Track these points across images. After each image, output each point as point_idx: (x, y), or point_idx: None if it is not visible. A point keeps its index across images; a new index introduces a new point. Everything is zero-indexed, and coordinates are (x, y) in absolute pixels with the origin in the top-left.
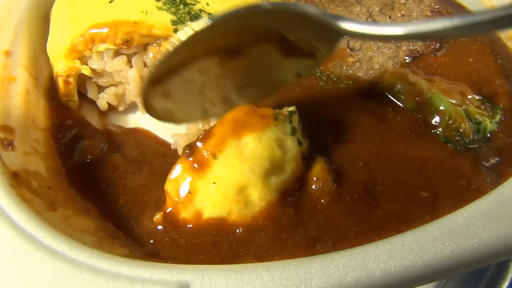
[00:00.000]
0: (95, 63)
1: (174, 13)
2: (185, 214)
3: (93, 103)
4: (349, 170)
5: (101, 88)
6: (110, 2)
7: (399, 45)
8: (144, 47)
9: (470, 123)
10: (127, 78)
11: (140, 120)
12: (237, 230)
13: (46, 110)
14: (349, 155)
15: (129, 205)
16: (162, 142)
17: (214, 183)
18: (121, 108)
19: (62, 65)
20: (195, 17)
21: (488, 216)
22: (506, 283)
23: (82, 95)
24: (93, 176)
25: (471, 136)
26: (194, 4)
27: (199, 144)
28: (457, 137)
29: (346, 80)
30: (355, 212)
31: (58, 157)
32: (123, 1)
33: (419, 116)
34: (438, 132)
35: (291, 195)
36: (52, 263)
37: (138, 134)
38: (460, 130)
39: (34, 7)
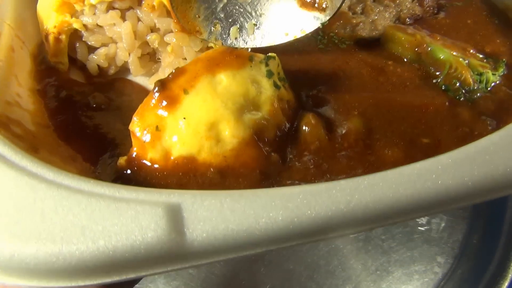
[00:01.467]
0: (87, 17)
1: None
2: (153, 154)
3: (81, 68)
4: (342, 119)
5: (91, 50)
6: None
7: (399, 9)
8: (139, 2)
9: (472, 73)
10: (120, 33)
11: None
12: (208, 172)
13: (32, 72)
14: (343, 105)
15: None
16: None
17: (184, 118)
18: (111, 71)
19: (52, 21)
20: None
21: (501, 146)
22: (506, 283)
23: (71, 59)
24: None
25: (472, 85)
26: None
27: (170, 80)
28: (458, 85)
29: (349, 41)
30: (346, 158)
31: (46, 114)
32: None
33: (420, 67)
34: (439, 80)
35: (270, 145)
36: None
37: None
38: (461, 78)
39: None
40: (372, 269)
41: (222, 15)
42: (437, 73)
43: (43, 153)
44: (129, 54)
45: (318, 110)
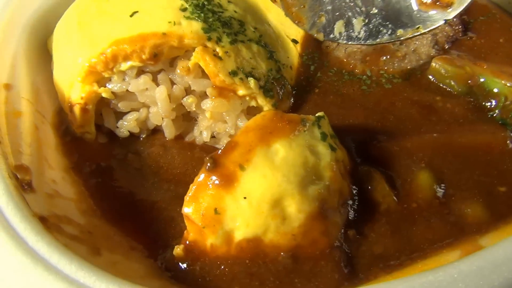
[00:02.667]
0: (116, 85)
1: (204, 21)
2: (213, 239)
3: (109, 133)
4: (408, 174)
5: (118, 116)
6: (131, 16)
7: (434, 33)
8: (171, 63)
9: None
10: (153, 98)
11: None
12: (279, 256)
13: (59, 146)
14: (406, 155)
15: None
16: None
17: (244, 198)
18: (143, 136)
19: (78, 92)
20: (226, 24)
21: None
22: None
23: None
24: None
25: None
26: (222, 12)
27: (222, 155)
28: None
29: (397, 77)
30: (423, 221)
31: (88, 196)
32: (146, 14)
33: (471, 99)
34: (494, 114)
35: (333, 213)
36: None
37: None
38: None
39: (30, 37)
40: None
41: (329, 7)
42: (492, 106)
43: (105, 254)
44: (163, 118)
45: (378, 167)
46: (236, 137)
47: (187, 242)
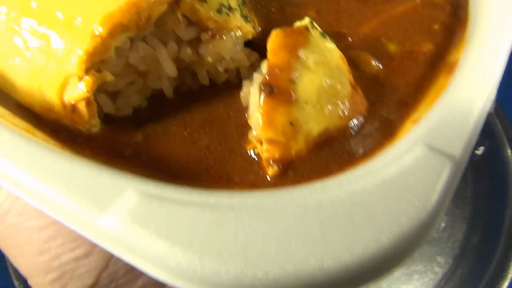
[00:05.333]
0: (114, 63)
1: None
2: (297, 146)
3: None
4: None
5: (112, 97)
6: None
7: None
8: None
9: None
10: (152, 63)
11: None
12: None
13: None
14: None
15: None
16: None
17: (306, 103)
18: (143, 106)
19: (79, 86)
20: None
21: None
22: (506, 283)
23: None
24: None
25: None
26: None
27: (271, 79)
28: None
29: None
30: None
31: None
32: None
33: None
34: None
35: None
36: None
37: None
38: None
39: None
40: None
41: None
42: None
43: None
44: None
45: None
46: (270, 61)
47: (272, 161)
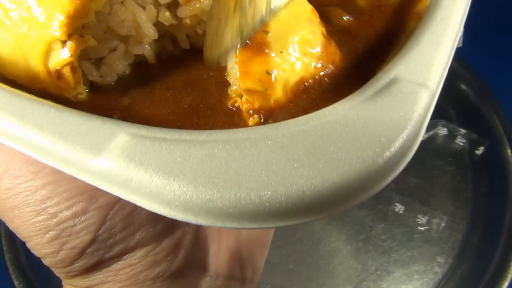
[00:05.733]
0: (95, 27)
1: None
2: (275, 95)
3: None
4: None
5: (96, 65)
6: None
7: None
8: None
9: None
10: (132, 26)
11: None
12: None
13: None
14: None
15: None
16: None
17: (281, 52)
18: (127, 72)
19: (63, 51)
20: None
21: None
22: (506, 283)
23: None
24: None
25: None
26: None
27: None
28: None
29: None
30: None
31: None
32: None
33: None
34: None
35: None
36: None
37: None
38: None
39: None
40: (372, 269)
41: None
42: None
43: None
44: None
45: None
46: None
47: (252, 111)
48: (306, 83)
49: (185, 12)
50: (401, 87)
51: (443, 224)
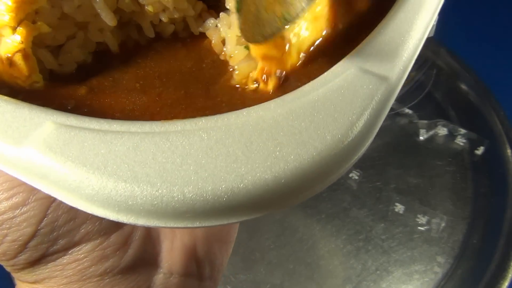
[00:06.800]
0: (48, 14)
1: None
2: (292, 60)
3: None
4: None
5: (55, 53)
6: None
7: None
8: None
9: None
10: (89, 13)
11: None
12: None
13: None
14: None
15: None
16: None
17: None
18: (88, 61)
19: (14, 37)
20: None
21: None
22: (506, 283)
23: None
24: None
25: None
26: None
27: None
28: None
29: None
30: None
31: None
32: None
33: None
34: None
35: None
36: None
37: None
38: None
39: None
40: (372, 269)
41: None
42: None
43: None
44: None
45: None
46: None
47: (277, 74)
48: (315, 47)
49: None
50: (357, 79)
51: (443, 224)
